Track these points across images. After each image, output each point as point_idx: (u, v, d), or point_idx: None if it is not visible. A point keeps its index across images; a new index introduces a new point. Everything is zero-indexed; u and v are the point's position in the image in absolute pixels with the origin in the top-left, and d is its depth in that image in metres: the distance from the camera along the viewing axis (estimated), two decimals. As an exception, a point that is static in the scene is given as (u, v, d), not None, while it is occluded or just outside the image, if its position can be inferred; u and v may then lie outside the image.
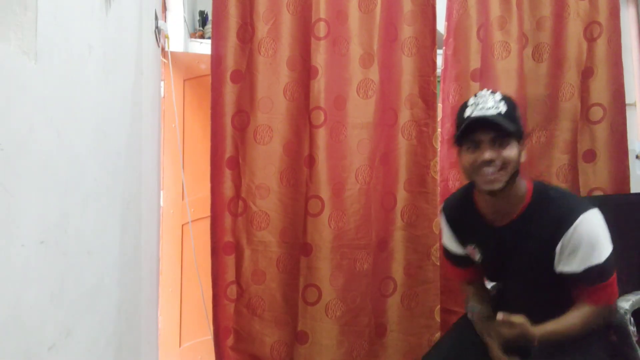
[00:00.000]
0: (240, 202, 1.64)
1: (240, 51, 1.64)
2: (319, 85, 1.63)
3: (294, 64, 1.65)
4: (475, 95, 1.01)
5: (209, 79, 1.64)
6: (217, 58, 1.62)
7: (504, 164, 0.96)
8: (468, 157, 0.99)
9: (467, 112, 0.99)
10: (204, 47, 2.22)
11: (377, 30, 1.70)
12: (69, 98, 0.68)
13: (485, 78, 1.74)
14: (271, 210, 1.63)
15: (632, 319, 1.15)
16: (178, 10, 2.10)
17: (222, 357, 1.62)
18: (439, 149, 1.75)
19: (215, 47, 1.63)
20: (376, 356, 1.67)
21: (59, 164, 0.65)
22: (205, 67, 1.77)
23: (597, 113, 1.77)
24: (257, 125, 1.63)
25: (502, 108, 0.97)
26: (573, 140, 1.76)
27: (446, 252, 1.24)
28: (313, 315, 1.61)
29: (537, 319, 0.96)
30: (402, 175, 1.72)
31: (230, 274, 1.64)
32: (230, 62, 1.63)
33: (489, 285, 1.28)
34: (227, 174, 1.63)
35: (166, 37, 1.71)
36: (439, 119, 1.79)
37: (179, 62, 1.88)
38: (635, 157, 2.32)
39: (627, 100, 1.82)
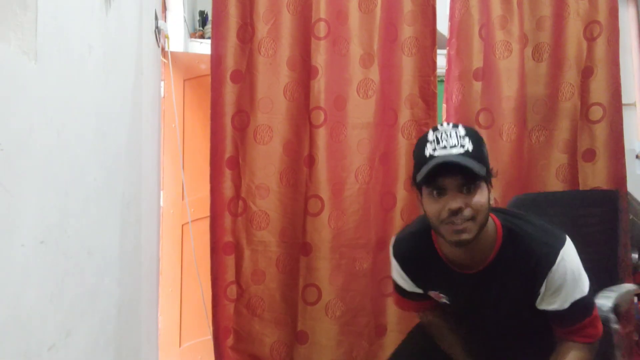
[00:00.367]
0: (240, 202, 1.64)
1: (240, 51, 1.64)
2: (319, 85, 1.63)
3: (294, 64, 1.65)
4: (435, 129, 0.88)
5: (209, 79, 1.64)
6: (217, 58, 1.62)
7: (474, 213, 0.84)
8: (432, 206, 0.86)
9: (428, 150, 0.85)
10: (204, 47, 2.22)
11: (377, 30, 1.70)
12: (69, 98, 0.68)
13: (487, 77, 1.75)
14: (271, 210, 1.63)
15: (615, 316, 1.14)
16: (178, 10, 2.10)
17: (222, 357, 1.62)
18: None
19: (215, 47, 1.63)
20: (376, 356, 1.67)
21: (59, 164, 0.65)
22: (205, 67, 1.77)
23: (596, 112, 1.77)
24: (257, 125, 1.63)
25: (468, 146, 0.84)
26: (573, 140, 1.76)
27: (398, 288, 1.09)
28: (313, 315, 1.61)
29: (517, 357, 0.95)
30: (402, 175, 1.72)
31: (230, 274, 1.64)
32: (230, 62, 1.62)
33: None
34: (227, 173, 1.63)
35: (166, 37, 1.71)
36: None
37: (179, 62, 1.88)
38: (635, 156, 2.32)
39: (627, 100, 1.83)
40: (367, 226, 1.66)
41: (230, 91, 1.63)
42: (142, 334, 1.32)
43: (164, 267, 1.83)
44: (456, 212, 0.83)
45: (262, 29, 1.63)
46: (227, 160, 1.63)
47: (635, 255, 1.77)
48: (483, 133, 1.76)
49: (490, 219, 0.91)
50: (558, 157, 1.77)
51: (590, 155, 1.76)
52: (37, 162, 0.58)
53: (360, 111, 1.68)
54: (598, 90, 1.77)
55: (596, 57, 1.77)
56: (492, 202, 0.89)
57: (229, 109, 1.63)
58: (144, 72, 1.29)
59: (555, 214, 1.36)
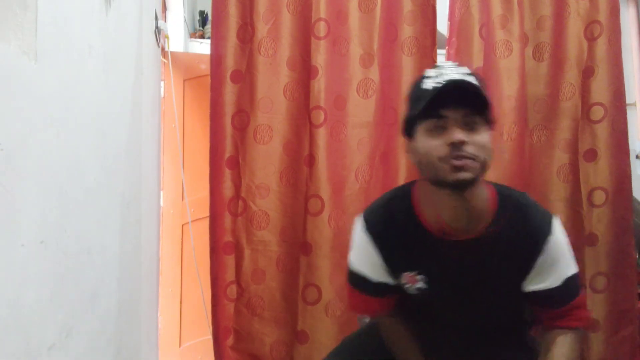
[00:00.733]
0: (240, 202, 1.64)
1: (240, 51, 1.64)
2: (319, 85, 1.62)
3: (294, 63, 1.65)
4: (437, 66, 0.78)
5: (209, 79, 1.64)
6: (217, 58, 1.62)
7: (477, 152, 0.73)
8: (429, 143, 0.75)
9: (429, 84, 0.76)
10: (204, 47, 2.22)
11: (377, 30, 1.70)
12: (69, 98, 0.68)
13: (487, 77, 1.75)
14: (271, 210, 1.63)
15: None
16: (178, 10, 2.10)
17: (222, 357, 1.62)
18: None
19: (215, 47, 1.63)
20: (376, 356, 1.67)
21: (59, 164, 0.65)
22: (205, 67, 1.77)
23: (597, 112, 1.77)
24: (257, 125, 1.63)
25: (474, 82, 0.75)
26: (574, 140, 1.76)
27: (359, 281, 0.90)
28: (313, 315, 1.61)
29: (489, 350, 0.86)
30: (402, 174, 1.72)
31: (230, 274, 1.64)
32: (230, 62, 1.62)
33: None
34: (227, 173, 1.63)
35: (166, 37, 1.71)
36: None
37: (179, 62, 1.88)
38: (635, 156, 2.32)
39: (627, 100, 1.82)
40: (367, 226, 1.66)
41: (230, 91, 1.62)
42: (142, 334, 1.32)
43: (164, 267, 1.83)
44: (458, 147, 0.73)
45: (262, 29, 1.63)
46: (227, 160, 1.63)
47: (638, 256, 1.77)
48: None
49: (482, 181, 0.81)
50: (559, 157, 1.76)
51: (591, 155, 1.76)
52: (37, 162, 0.58)
53: (361, 111, 1.68)
54: (599, 90, 1.76)
55: (597, 57, 1.77)
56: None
57: (229, 109, 1.63)
58: (144, 72, 1.29)
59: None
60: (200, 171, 1.71)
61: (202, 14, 2.50)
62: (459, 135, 0.73)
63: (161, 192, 1.81)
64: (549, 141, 1.78)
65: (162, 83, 1.77)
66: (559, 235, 0.82)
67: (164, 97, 1.81)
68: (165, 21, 1.96)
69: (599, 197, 1.73)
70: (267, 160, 1.63)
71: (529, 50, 1.79)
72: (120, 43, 1.00)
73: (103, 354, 0.86)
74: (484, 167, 0.75)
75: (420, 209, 0.83)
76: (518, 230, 0.81)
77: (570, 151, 1.76)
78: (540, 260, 0.81)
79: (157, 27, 1.52)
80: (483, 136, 0.75)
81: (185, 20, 2.18)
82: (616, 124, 1.76)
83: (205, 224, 1.65)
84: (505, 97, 1.74)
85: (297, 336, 1.62)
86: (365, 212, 0.91)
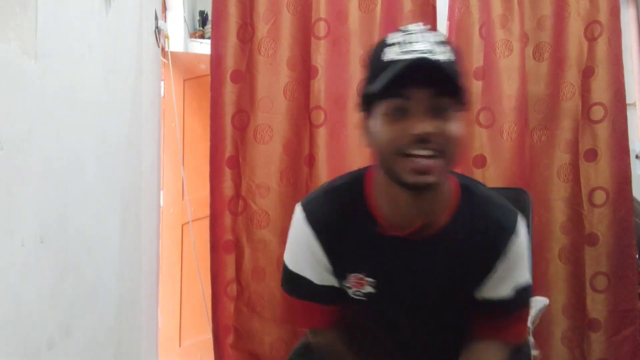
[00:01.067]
0: (240, 201, 1.64)
1: (240, 51, 1.64)
2: (319, 84, 1.63)
3: (294, 63, 1.65)
4: (403, 31, 0.63)
5: (209, 79, 1.64)
6: (217, 58, 1.63)
7: (446, 145, 0.61)
8: (388, 130, 0.61)
9: (391, 54, 0.61)
10: (204, 47, 2.22)
11: (378, 30, 1.70)
12: (69, 98, 0.69)
13: (487, 76, 1.75)
14: (271, 209, 1.63)
15: (532, 339, 0.95)
16: (178, 10, 2.11)
17: (222, 356, 1.63)
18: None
19: (215, 47, 1.63)
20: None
21: (59, 162, 0.65)
22: (205, 67, 1.77)
23: (598, 112, 1.77)
24: (257, 125, 1.63)
25: (447, 54, 0.61)
26: (574, 140, 1.76)
27: (298, 285, 0.75)
28: (313, 315, 1.61)
29: None
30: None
31: (230, 272, 1.64)
32: (230, 62, 1.63)
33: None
34: (227, 173, 1.63)
35: (166, 37, 1.71)
36: None
37: (179, 62, 1.89)
38: (635, 157, 2.32)
39: (628, 100, 1.82)
40: (367, 226, 1.66)
41: (230, 91, 1.63)
42: (142, 333, 1.32)
43: (164, 266, 1.83)
44: (423, 140, 0.59)
45: (262, 29, 1.63)
46: (227, 159, 1.64)
47: (638, 256, 1.77)
48: (484, 132, 1.76)
49: None
50: (560, 157, 1.76)
51: (592, 155, 1.76)
52: (37, 161, 0.58)
53: (361, 111, 1.68)
54: (599, 90, 1.76)
55: (597, 57, 1.77)
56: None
57: (229, 109, 1.63)
58: (144, 72, 1.30)
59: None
60: (200, 171, 1.72)
61: (202, 14, 2.50)
62: (423, 125, 0.59)
63: (161, 192, 1.81)
64: (550, 141, 1.78)
65: (162, 83, 1.78)
66: (522, 237, 0.71)
67: (164, 97, 1.81)
68: (165, 21, 1.96)
69: (600, 197, 1.73)
70: (267, 160, 1.63)
71: (529, 50, 1.78)
72: (120, 43, 1.01)
73: (102, 352, 0.86)
74: (450, 163, 0.63)
75: (373, 200, 0.70)
76: (479, 228, 0.70)
77: (571, 151, 1.76)
78: (499, 264, 0.70)
79: (157, 27, 1.52)
80: (454, 125, 0.62)
81: (185, 20, 2.18)
82: (616, 124, 1.76)
83: (205, 223, 1.66)
84: (505, 96, 1.74)
85: (297, 335, 1.62)
86: (306, 201, 0.76)
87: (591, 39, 1.78)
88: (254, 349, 1.63)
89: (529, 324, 0.86)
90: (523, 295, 0.73)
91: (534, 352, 0.95)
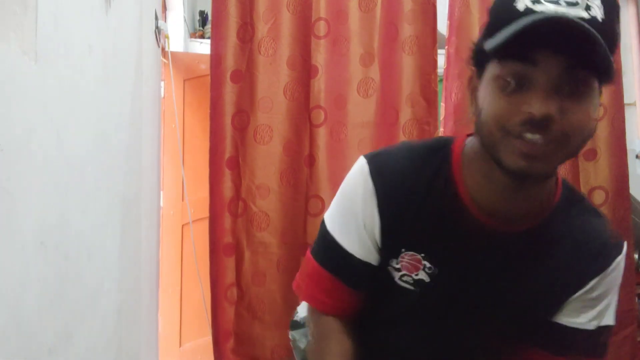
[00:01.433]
0: (240, 203, 1.64)
1: (240, 51, 1.63)
2: (319, 84, 1.62)
3: (294, 63, 1.65)
4: None
5: (209, 79, 1.64)
6: (217, 58, 1.62)
7: (569, 133, 0.48)
8: (499, 103, 0.49)
9: (523, 2, 0.46)
10: (204, 47, 2.22)
11: (378, 29, 1.70)
12: (69, 98, 0.68)
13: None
14: (271, 211, 1.63)
15: None
16: (178, 10, 2.10)
17: (222, 359, 1.62)
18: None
19: (215, 47, 1.62)
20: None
21: (59, 164, 0.65)
22: (205, 67, 1.77)
23: (597, 111, 1.77)
24: (257, 125, 1.63)
25: (597, 11, 0.45)
26: (574, 139, 1.76)
27: (334, 254, 0.62)
28: (314, 317, 1.60)
29: None
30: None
31: (230, 276, 1.63)
32: (230, 62, 1.62)
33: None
34: (227, 174, 1.63)
35: (166, 37, 1.71)
36: (441, 118, 1.79)
37: (179, 62, 1.88)
38: (635, 156, 2.32)
39: (627, 100, 1.82)
40: (367, 226, 1.66)
41: (230, 91, 1.62)
42: (142, 335, 1.31)
43: (164, 268, 1.83)
44: (540, 124, 0.46)
45: (262, 29, 1.63)
46: (227, 160, 1.63)
47: (636, 256, 1.77)
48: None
49: None
50: (559, 157, 1.77)
51: (591, 154, 1.76)
52: (37, 162, 0.57)
53: (361, 110, 1.68)
54: (598, 89, 1.77)
55: (597, 57, 1.77)
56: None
57: (229, 109, 1.62)
58: (144, 72, 1.29)
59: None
60: (201, 171, 1.71)
61: (202, 14, 2.49)
62: (547, 105, 0.46)
63: (161, 193, 1.81)
64: (549, 141, 1.78)
65: (162, 83, 1.77)
66: (620, 268, 0.61)
67: (164, 97, 1.80)
68: (165, 21, 1.95)
69: (599, 196, 1.73)
70: (267, 160, 1.63)
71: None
72: (120, 43, 1.00)
73: (103, 355, 0.86)
74: (570, 156, 0.51)
75: (460, 174, 0.58)
76: (579, 236, 0.59)
77: (571, 151, 1.76)
78: (591, 285, 0.59)
79: (157, 27, 1.52)
80: (585, 108, 0.48)
81: (185, 20, 2.17)
82: (616, 123, 1.76)
83: (205, 224, 1.65)
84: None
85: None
86: (374, 153, 0.63)
87: (591, 39, 1.78)
88: (254, 354, 1.62)
89: None
90: (603, 337, 0.60)
91: None
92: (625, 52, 1.83)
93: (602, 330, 0.60)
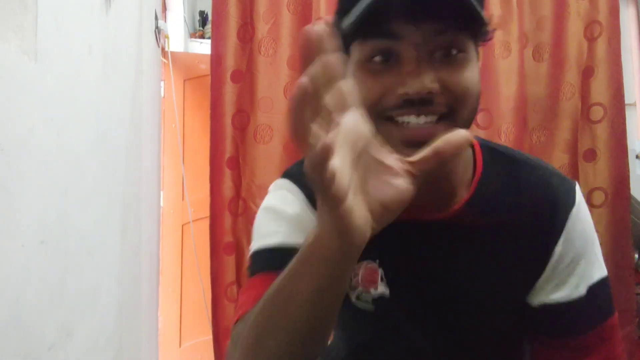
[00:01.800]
0: (241, 202, 1.64)
1: (240, 51, 1.64)
2: (319, 85, 1.63)
3: (294, 63, 1.65)
4: None
5: (209, 79, 1.64)
6: (217, 58, 1.63)
7: (455, 103, 0.42)
8: (370, 83, 0.43)
9: None
10: (204, 47, 2.22)
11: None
12: (69, 98, 0.68)
13: (485, 77, 1.74)
14: (271, 210, 1.63)
15: None
16: (178, 10, 2.10)
17: (222, 358, 1.62)
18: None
19: (215, 47, 1.63)
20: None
21: (59, 164, 0.65)
22: (205, 67, 1.77)
23: (597, 112, 1.77)
24: (257, 125, 1.63)
25: None
26: (573, 140, 1.76)
27: (270, 256, 0.51)
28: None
29: None
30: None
31: (230, 274, 1.64)
32: (230, 62, 1.63)
33: None
34: (227, 173, 1.63)
35: (166, 37, 1.71)
36: None
37: (179, 62, 1.88)
38: (635, 156, 2.32)
39: (627, 100, 1.83)
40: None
41: (230, 91, 1.63)
42: (142, 334, 1.32)
43: (164, 267, 1.83)
44: (421, 102, 0.41)
45: (262, 29, 1.63)
46: (227, 160, 1.64)
47: (636, 256, 1.77)
48: (481, 133, 1.76)
49: None
50: (559, 157, 1.77)
51: (591, 155, 1.76)
52: (37, 162, 0.58)
53: (361, 111, 1.68)
54: (598, 90, 1.77)
55: (596, 57, 1.77)
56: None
57: (229, 109, 1.63)
58: (144, 72, 1.29)
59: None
60: (201, 171, 1.71)
61: (202, 14, 2.50)
62: (420, 80, 0.40)
63: (161, 192, 1.81)
64: (549, 141, 1.78)
65: (162, 83, 1.77)
66: (585, 212, 0.51)
67: (164, 97, 1.81)
68: (165, 21, 1.96)
69: (598, 197, 1.73)
70: (268, 160, 1.63)
71: (529, 51, 1.79)
72: (120, 43, 1.00)
73: (103, 353, 0.86)
74: (466, 126, 0.43)
75: None
76: (518, 199, 0.50)
77: (570, 151, 1.76)
78: (558, 251, 0.49)
79: (157, 27, 1.52)
80: (466, 71, 0.42)
81: (185, 20, 2.18)
82: (616, 124, 1.76)
83: (205, 223, 1.65)
84: (503, 98, 1.74)
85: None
86: (290, 170, 0.59)
87: (591, 39, 1.78)
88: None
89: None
90: (602, 294, 0.50)
91: None
92: (625, 52, 1.83)
93: (595, 288, 0.50)
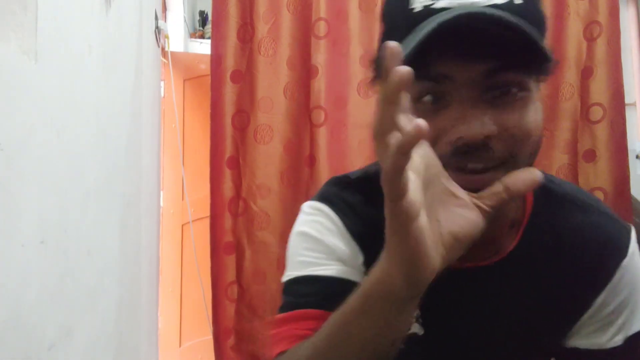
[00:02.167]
0: (241, 202, 1.64)
1: (240, 51, 1.64)
2: (320, 84, 1.63)
3: (294, 63, 1.66)
4: None
5: (209, 79, 1.64)
6: (217, 58, 1.63)
7: (513, 147, 0.39)
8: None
9: (421, 1, 0.38)
10: (204, 47, 2.22)
11: (378, 30, 1.70)
12: (69, 98, 0.68)
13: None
14: (271, 210, 1.63)
15: None
16: (178, 10, 2.10)
17: (222, 358, 1.63)
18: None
19: (215, 47, 1.63)
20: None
21: (59, 164, 0.65)
22: (205, 67, 1.77)
23: (596, 113, 1.77)
24: (257, 125, 1.64)
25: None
26: (573, 140, 1.76)
27: (310, 289, 0.52)
28: (313, 315, 1.60)
29: None
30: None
31: (230, 274, 1.64)
32: (230, 62, 1.63)
33: None
34: (227, 173, 1.63)
35: (166, 37, 1.71)
36: None
37: (179, 62, 1.88)
38: (635, 157, 2.32)
39: (627, 100, 1.83)
40: (367, 226, 1.66)
41: (230, 91, 1.63)
42: (142, 334, 1.32)
43: (164, 267, 1.83)
44: (476, 146, 0.38)
45: (262, 29, 1.63)
46: (227, 160, 1.64)
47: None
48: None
49: None
50: (559, 158, 1.77)
51: (591, 155, 1.76)
52: (37, 162, 0.58)
53: (361, 111, 1.68)
54: (598, 90, 1.77)
55: (596, 58, 1.77)
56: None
57: (229, 109, 1.63)
58: (144, 72, 1.29)
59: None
60: (201, 171, 1.71)
61: (202, 14, 2.50)
62: (473, 126, 0.37)
63: (161, 192, 1.81)
64: (549, 142, 1.78)
65: (162, 83, 1.77)
66: (636, 261, 0.49)
67: (164, 97, 1.81)
68: (165, 21, 1.96)
69: (598, 197, 1.73)
70: (268, 160, 1.63)
71: (529, 51, 1.79)
72: (120, 43, 1.00)
73: (103, 353, 0.86)
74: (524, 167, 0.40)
75: None
76: (567, 249, 0.48)
77: (570, 152, 1.76)
78: (599, 301, 0.48)
79: (157, 27, 1.52)
80: (526, 111, 0.39)
81: (185, 20, 2.18)
82: (615, 124, 1.76)
83: (205, 224, 1.65)
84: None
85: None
86: (325, 193, 0.55)
87: (590, 40, 1.78)
88: (255, 351, 1.63)
89: None
90: (636, 345, 0.49)
91: None
92: (625, 52, 1.83)
93: (634, 340, 0.48)
